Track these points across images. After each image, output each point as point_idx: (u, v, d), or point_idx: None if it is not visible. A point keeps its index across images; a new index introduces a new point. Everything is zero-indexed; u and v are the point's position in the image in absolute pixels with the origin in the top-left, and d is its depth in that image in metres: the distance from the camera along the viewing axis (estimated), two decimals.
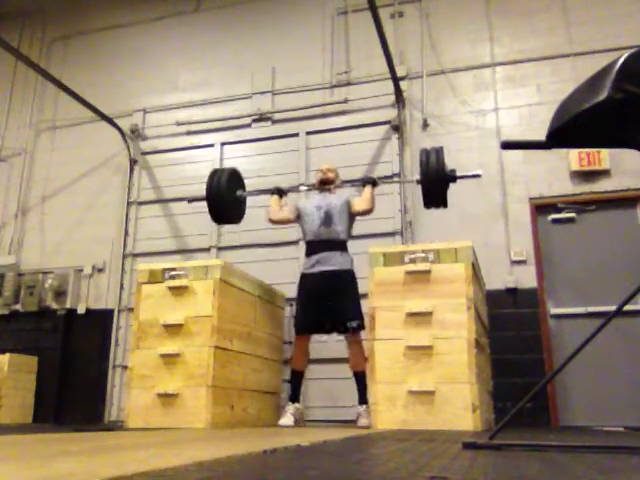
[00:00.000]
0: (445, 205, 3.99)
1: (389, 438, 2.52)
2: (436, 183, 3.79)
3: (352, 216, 4.31)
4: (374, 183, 4.23)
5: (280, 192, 4.50)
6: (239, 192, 4.45)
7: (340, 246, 4.18)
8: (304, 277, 4.23)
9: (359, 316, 4.03)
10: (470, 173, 4.16)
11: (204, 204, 6.03)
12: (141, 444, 2.10)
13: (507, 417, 1.81)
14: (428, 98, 5.87)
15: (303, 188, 5.31)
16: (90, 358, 6.15)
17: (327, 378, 5.14)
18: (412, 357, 3.51)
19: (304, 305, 4.18)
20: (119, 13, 7.29)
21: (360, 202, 4.19)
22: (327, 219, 4.18)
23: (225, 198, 4.26)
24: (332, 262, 4.12)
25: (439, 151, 3.87)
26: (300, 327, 4.18)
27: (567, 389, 4.93)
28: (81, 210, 6.69)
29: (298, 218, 4.38)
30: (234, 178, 4.45)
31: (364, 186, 4.28)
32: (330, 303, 4.07)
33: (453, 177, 3.84)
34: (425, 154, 3.88)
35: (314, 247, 4.21)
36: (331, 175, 4.41)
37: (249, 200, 4.97)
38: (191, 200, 4.67)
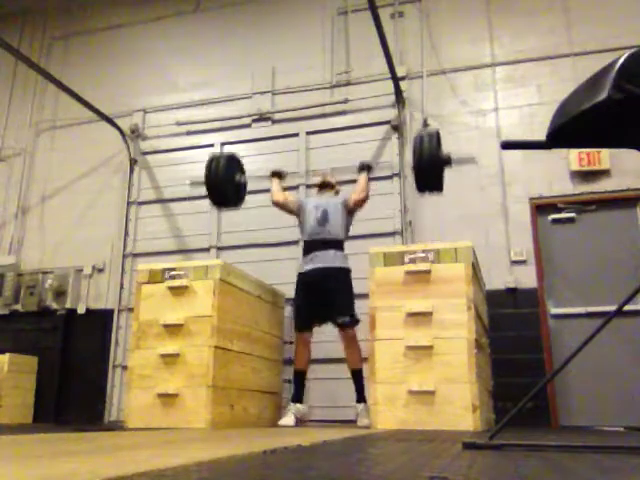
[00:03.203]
0: (440, 189, 3.87)
1: (389, 438, 2.52)
2: (429, 167, 3.71)
3: (350, 213, 4.32)
4: (369, 168, 4.23)
5: (279, 175, 4.51)
6: (238, 176, 4.46)
7: (335, 245, 4.20)
8: (300, 276, 4.28)
9: (350, 311, 4.04)
10: (465, 157, 4.12)
11: (205, 207, 6.04)
12: (141, 444, 2.10)
13: (507, 417, 1.81)
14: (428, 98, 5.87)
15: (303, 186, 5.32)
16: (90, 358, 6.15)
17: (327, 378, 5.14)
18: (412, 357, 3.51)
19: (301, 302, 4.22)
20: (119, 13, 7.29)
21: (355, 193, 4.20)
22: (323, 218, 4.22)
23: (224, 183, 4.27)
24: (326, 260, 4.15)
25: (433, 135, 3.80)
26: (300, 324, 4.20)
27: (567, 389, 4.93)
28: (81, 210, 6.69)
29: (299, 213, 4.41)
30: (233, 163, 4.45)
31: (359, 172, 4.29)
32: (323, 299, 4.10)
33: (448, 161, 3.76)
34: (419, 138, 3.82)
35: (310, 246, 4.25)
36: (331, 180, 4.44)
37: (250, 201, 4.97)
38: (193, 184, 4.67)
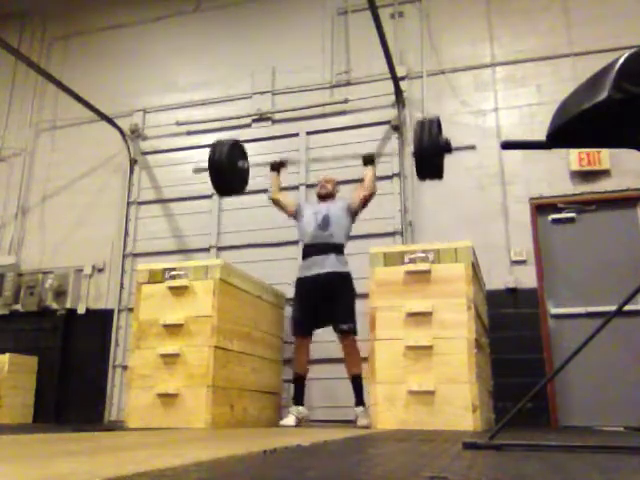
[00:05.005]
0: (440, 177, 3.93)
1: (389, 438, 2.51)
2: (429, 154, 3.76)
3: (355, 214, 4.31)
4: (373, 160, 4.25)
5: (279, 165, 4.56)
6: (241, 163, 4.48)
7: (336, 249, 4.18)
8: (300, 281, 4.26)
9: (350, 319, 4.03)
10: (465, 145, 4.17)
11: (205, 207, 6.04)
12: (141, 444, 2.10)
13: (507, 417, 1.81)
14: (428, 98, 5.87)
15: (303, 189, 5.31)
16: (90, 358, 6.15)
17: (327, 378, 5.14)
18: (412, 357, 3.51)
19: (301, 307, 4.21)
20: (119, 13, 7.28)
21: (363, 188, 4.20)
22: (324, 223, 4.21)
23: (227, 169, 4.28)
24: (327, 265, 4.13)
25: (433, 121, 3.85)
26: (298, 328, 4.19)
27: (567, 389, 4.93)
28: (81, 210, 6.69)
29: (295, 216, 4.40)
30: (235, 149, 4.47)
31: (365, 165, 4.30)
32: (323, 306, 4.10)
33: (448, 148, 3.81)
34: (419, 125, 3.87)
35: (310, 250, 4.23)
36: (329, 187, 4.43)
37: (250, 201, 4.97)
38: (196, 170, 4.71)
